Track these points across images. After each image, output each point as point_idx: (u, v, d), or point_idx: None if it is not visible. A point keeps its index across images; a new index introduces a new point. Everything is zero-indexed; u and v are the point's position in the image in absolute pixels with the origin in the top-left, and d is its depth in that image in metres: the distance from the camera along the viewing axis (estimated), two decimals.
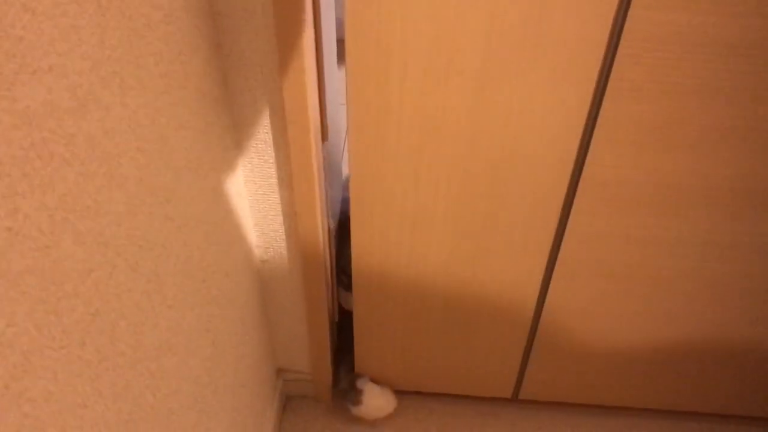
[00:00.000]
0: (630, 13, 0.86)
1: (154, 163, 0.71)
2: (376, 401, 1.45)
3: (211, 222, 0.92)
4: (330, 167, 1.22)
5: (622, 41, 0.88)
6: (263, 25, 0.89)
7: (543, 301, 1.29)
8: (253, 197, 1.11)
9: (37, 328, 0.50)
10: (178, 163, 0.78)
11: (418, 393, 1.59)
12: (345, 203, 1.52)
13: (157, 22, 0.70)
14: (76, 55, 0.54)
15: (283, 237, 1.18)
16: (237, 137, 1.02)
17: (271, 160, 1.05)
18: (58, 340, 0.53)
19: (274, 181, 1.08)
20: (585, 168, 1.04)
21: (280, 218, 1.14)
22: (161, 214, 0.74)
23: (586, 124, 0.98)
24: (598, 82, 0.93)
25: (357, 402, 1.44)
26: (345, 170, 1.71)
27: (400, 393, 1.58)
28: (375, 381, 1.50)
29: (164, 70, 0.72)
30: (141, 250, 0.69)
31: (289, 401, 1.56)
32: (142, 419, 0.71)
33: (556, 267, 1.21)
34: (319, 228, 1.14)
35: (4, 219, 0.45)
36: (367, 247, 1.19)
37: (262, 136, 1.02)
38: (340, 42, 2.19)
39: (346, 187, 1.56)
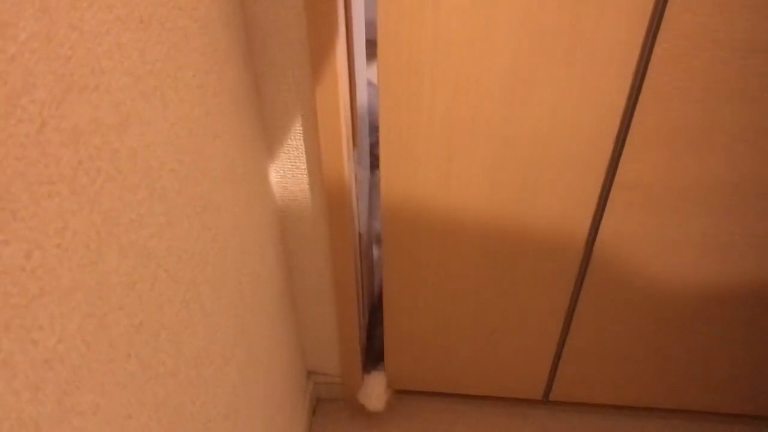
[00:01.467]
0: (665, 16, 0.85)
1: (192, 173, 0.72)
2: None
3: (245, 228, 0.93)
4: (360, 174, 1.22)
5: (656, 45, 0.87)
6: (295, 34, 0.89)
7: (577, 298, 1.27)
8: (285, 203, 1.11)
9: (86, 343, 0.51)
10: (214, 173, 0.79)
11: (446, 395, 1.59)
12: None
13: (194, 33, 0.70)
14: (119, 71, 0.54)
15: (314, 242, 1.18)
16: (269, 143, 1.03)
17: (302, 166, 1.05)
18: (105, 354, 0.54)
19: (306, 186, 1.08)
20: (618, 171, 1.03)
21: (311, 223, 1.14)
22: (199, 223, 0.74)
23: (620, 128, 0.97)
24: (632, 86, 0.91)
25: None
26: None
27: (428, 395, 1.58)
28: (402, 383, 1.50)
29: (201, 81, 0.73)
30: (180, 260, 0.69)
31: (319, 404, 1.56)
32: (182, 428, 0.71)
33: (588, 271, 1.20)
34: (350, 233, 1.14)
35: (53, 237, 0.46)
36: (396, 249, 1.19)
37: (294, 142, 1.02)
38: (369, 42, 2.18)
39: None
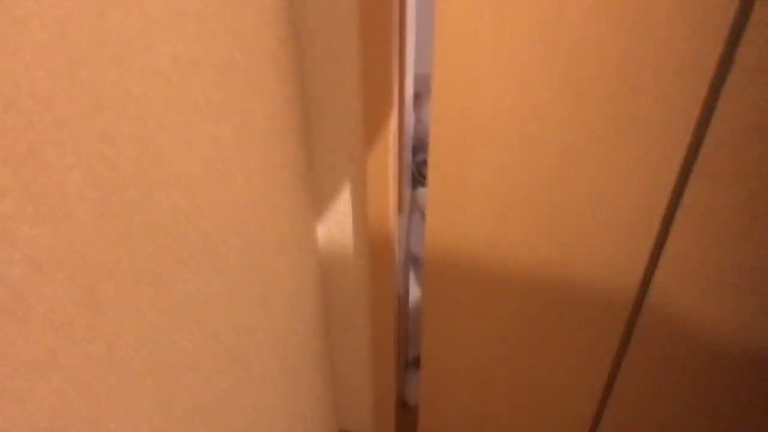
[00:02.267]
0: (721, 98, 0.85)
1: (251, 248, 0.73)
2: None
3: (292, 292, 0.94)
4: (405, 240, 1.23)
5: (710, 128, 0.88)
6: (350, 107, 0.92)
7: (621, 359, 1.25)
8: (329, 264, 1.13)
9: (152, 427, 0.52)
10: (269, 244, 0.81)
11: None
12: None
13: (259, 115, 0.73)
14: (197, 161, 0.57)
15: (355, 302, 1.19)
16: (318, 208, 1.05)
17: (348, 230, 1.07)
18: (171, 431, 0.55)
19: (351, 250, 1.10)
20: (666, 244, 1.02)
21: (353, 284, 1.16)
22: (255, 295, 0.76)
23: (669, 204, 0.97)
24: (682, 166, 0.92)
25: None
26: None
27: None
28: None
29: (263, 158, 0.75)
30: (237, 333, 0.71)
31: None
32: None
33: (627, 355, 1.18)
34: (391, 296, 1.15)
35: (132, 328, 0.48)
36: (438, 302, 1.19)
37: (342, 208, 1.04)
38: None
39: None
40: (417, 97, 1.68)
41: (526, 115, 0.91)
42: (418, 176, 1.58)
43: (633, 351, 1.20)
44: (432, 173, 1.00)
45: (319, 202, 1.03)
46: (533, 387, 1.31)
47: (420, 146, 1.59)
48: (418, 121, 1.55)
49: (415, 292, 1.57)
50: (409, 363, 1.58)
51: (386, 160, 0.95)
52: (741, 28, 0.79)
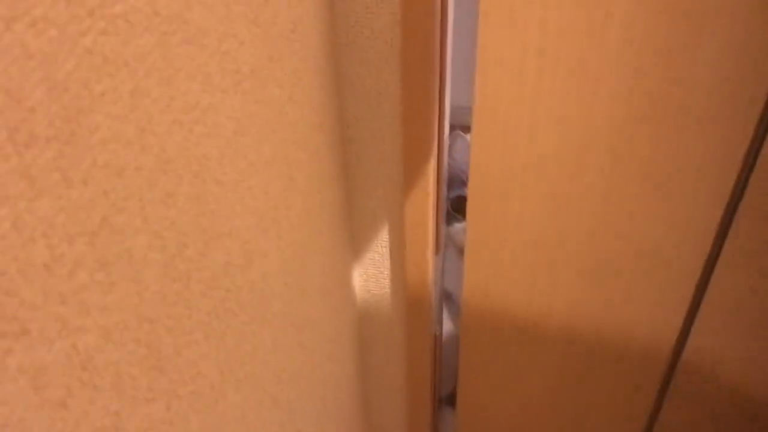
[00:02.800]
0: (764, 146, 0.84)
1: (295, 294, 0.74)
2: None
3: (332, 337, 0.94)
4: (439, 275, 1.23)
5: (749, 185, 0.87)
6: (390, 150, 0.93)
7: (657, 414, 1.22)
8: (365, 306, 1.13)
9: None
10: (311, 289, 0.81)
11: None
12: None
13: (305, 163, 0.74)
14: (248, 213, 0.57)
15: (392, 344, 1.18)
16: (355, 250, 1.05)
17: (386, 272, 1.07)
18: None
19: (388, 291, 1.09)
20: (707, 291, 1.00)
21: (389, 326, 1.15)
22: (297, 342, 0.76)
23: (711, 251, 0.95)
24: (724, 214, 0.91)
25: None
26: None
27: None
28: None
29: (307, 206, 0.76)
30: (280, 381, 0.71)
31: None
32: None
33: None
34: (428, 338, 1.14)
35: (189, 383, 0.48)
36: (474, 351, 1.18)
37: (379, 249, 1.04)
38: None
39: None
40: (451, 129, 1.69)
41: (566, 163, 0.91)
42: (452, 212, 1.58)
43: (669, 405, 1.17)
44: (471, 221, 1.00)
45: (357, 242, 1.04)
46: None
47: (453, 182, 1.59)
48: (451, 157, 1.55)
49: (448, 327, 1.56)
50: (442, 400, 1.56)
51: (425, 202, 0.95)
52: None
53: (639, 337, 1.09)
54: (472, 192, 0.97)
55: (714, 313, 1.03)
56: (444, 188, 1.14)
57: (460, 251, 1.49)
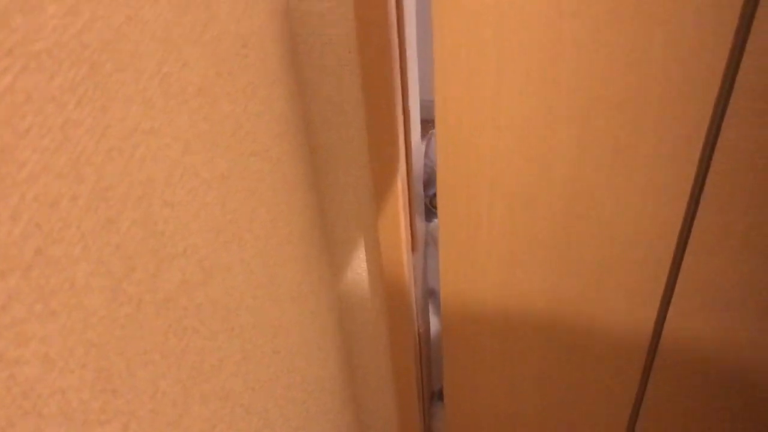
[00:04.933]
0: (724, 127, 0.85)
1: (265, 304, 0.75)
2: None
3: (310, 340, 0.95)
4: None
5: (713, 160, 0.87)
6: (357, 153, 0.94)
7: (644, 391, 1.24)
8: (346, 307, 1.14)
9: None
10: (283, 297, 0.82)
11: None
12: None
13: (267, 173, 0.74)
14: (204, 230, 0.58)
15: (378, 345, 1.19)
16: (332, 253, 1.06)
17: (364, 273, 1.08)
18: None
19: (367, 291, 1.11)
20: (680, 276, 1.01)
21: (374, 326, 1.16)
22: (270, 350, 0.77)
23: (680, 231, 0.96)
24: (691, 195, 0.91)
25: None
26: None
27: None
28: None
29: (273, 216, 0.77)
30: (254, 392, 0.72)
31: None
32: None
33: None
34: (411, 333, 1.15)
35: (147, 403, 0.49)
36: (457, 347, 1.19)
37: (356, 251, 1.05)
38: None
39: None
40: (427, 124, 1.70)
41: (531, 157, 0.92)
42: (432, 209, 1.58)
43: (653, 384, 1.18)
44: (442, 218, 1.01)
45: (333, 246, 1.05)
46: (558, 420, 1.30)
47: (432, 179, 1.60)
48: (428, 156, 1.56)
49: (435, 324, 1.57)
50: (435, 395, 1.58)
51: (396, 201, 0.96)
52: (740, 55, 0.79)
53: (618, 321, 1.10)
54: (440, 190, 0.98)
55: (689, 294, 1.04)
56: (418, 186, 1.15)
57: None
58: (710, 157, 0.89)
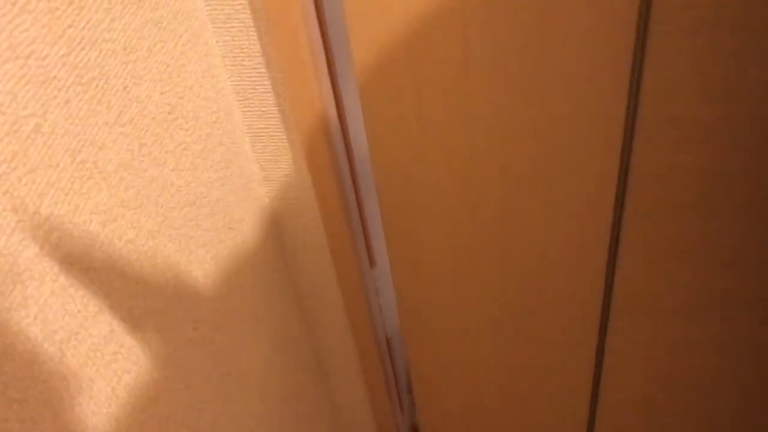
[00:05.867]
0: (633, 153, 0.91)
1: (209, 332, 0.84)
2: None
3: (273, 358, 1.04)
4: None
5: (626, 194, 0.94)
6: (298, 173, 1.02)
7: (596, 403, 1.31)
8: (314, 318, 1.23)
9: None
10: (235, 321, 0.91)
11: None
12: None
13: (204, 216, 0.83)
14: (131, 284, 0.67)
15: (346, 348, 1.28)
16: (294, 270, 1.15)
17: (325, 287, 1.17)
18: None
19: (330, 303, 1.19)
20: (615, 284, 1.08)
21: (342, 333, 1.25)
22: (224, 372, 0.87)
23: (609, 248, 1.02)
24: (614, 216, 0.97)
25: None
26: None
27: None
28: None
29: (217, 252, 0.86)
30: (201, 414, 0.81)
31: None
32: None
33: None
34: (374, 341, 1.24)
35: None
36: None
37: (315, 266, 1.14)
38: None
39: None
40: None
41: (459, 182, 0.99)
42: None
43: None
44: (388, 236, 1.09)
45: (296, 264, 1.13)
46: (525, 392, 1.37)
47: None
48: None
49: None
50: (411, 388, 1.66)
51: (343, 220, 1.04)
52: (637, 91, 0.85)
53: (561, 338, 1.17)
54: (383, 209, 1.05)
55: (626, 303, 1.10)
56: (372, 203, 1.23)
57: None
58: (626, 176, 0.95)
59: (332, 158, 0.97)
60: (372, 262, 1.22)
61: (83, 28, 0.59)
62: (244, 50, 0.87)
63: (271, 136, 0.96)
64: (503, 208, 1.01)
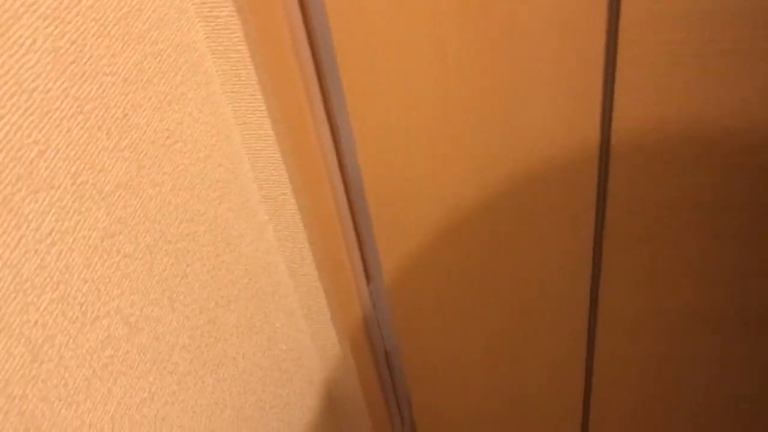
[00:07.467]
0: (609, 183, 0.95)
1: (203, 344, 0.90)
2: None
3: (265, 369, 1.10)
4: None
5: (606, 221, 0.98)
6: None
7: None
8: (312, 332, 1.29)
9: None
10: (227, 334, 0.97)
11: None
12: None
13: (201, 233, 0.90)
14: (127, 294, 0.74)
15: (344, 361, 1.33)
16: (293, 285, 1.21)
17: (322, 302, 1.22)
18: None
19: (328, 318, 1.25)
20: (599, 299, 1.11)
21: (339, 346, 1.30)
22: (214, 379, 0.92)
23: (593, 267, 1.06)
24: (595, 238, 1.01)
25: None
26: None
27: None
28: None
29: (213, 266, 0.92)
30: (194, 415, 0.87)
31: None
32: None
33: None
34: (371, 352, 1.29)
35: None
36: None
37: (312, 281, 1.20)
38: None
39: None
40: None
41: (440, 179, 1.04)
42: None
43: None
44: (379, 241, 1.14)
45: (293, 279, 1.19)
46: (519, 391, 1.40)
47: None
48: None
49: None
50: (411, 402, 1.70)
51: (336, 237, 1.10)
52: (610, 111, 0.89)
53: (550, 359, 1.20)
54: (372, 211, 1.11)
55: (610, 325, 1.13)
56: (366, 217, 1.28)
57: None
58: (605, 200, 0.99)
59: (328, 177, 1.03)
60: (368, 277, 1.27)
61: (85, 63, 0.66)
62: (242, 79, 0.94)
63: (269, 157, 1.02)
64: (486, 220, 1.05)
